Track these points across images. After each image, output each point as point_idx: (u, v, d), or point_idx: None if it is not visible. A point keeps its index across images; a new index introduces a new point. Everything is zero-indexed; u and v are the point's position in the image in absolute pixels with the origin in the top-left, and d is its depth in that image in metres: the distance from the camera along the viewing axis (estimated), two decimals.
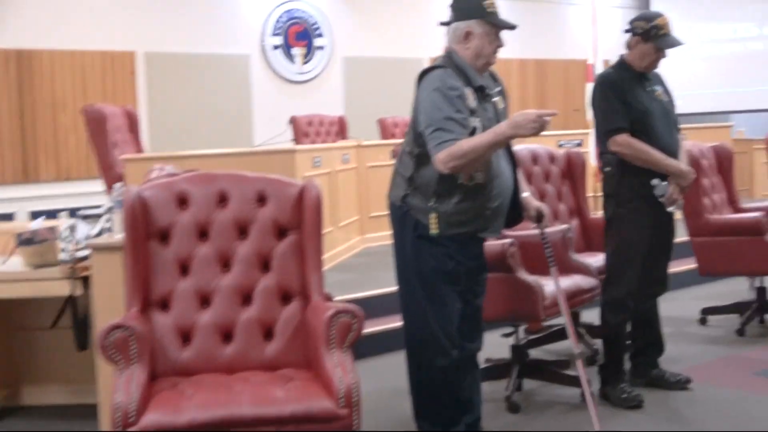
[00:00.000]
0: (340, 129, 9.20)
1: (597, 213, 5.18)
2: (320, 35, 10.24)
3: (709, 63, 12.68)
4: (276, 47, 9.99)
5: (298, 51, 10.07)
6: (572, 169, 5.23)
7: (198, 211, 3.27)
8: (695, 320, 5.50)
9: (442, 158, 3.09)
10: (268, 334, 3.21)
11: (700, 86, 12.31)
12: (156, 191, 3.28)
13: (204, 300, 3.22)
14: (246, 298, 3.24)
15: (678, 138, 4.14)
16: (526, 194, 3.63)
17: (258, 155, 6.18)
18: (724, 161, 5.61)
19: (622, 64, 4.16)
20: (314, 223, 3.29)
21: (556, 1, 12.46)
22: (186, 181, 3.34)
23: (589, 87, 7.81)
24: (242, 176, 3.38)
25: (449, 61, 3.30)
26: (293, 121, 8.83)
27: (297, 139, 8.75)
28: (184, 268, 3.23)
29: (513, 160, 3.42)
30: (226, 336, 3.18)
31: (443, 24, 3.44)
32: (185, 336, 3.16)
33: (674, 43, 4.04)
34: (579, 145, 8.38)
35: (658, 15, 4.09)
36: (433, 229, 3.25)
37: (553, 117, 3.04)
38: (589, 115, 7.51)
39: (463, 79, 3.25)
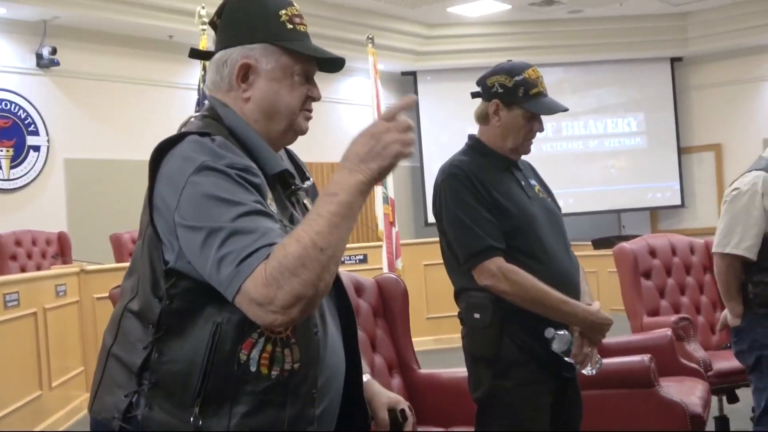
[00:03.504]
0: (60, 249, 7.46)
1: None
2: (35, 132, 8.15)
3: (533, 162, 11.50)
4: None
5: (3, 152, 7.90)
6: (388, 304, 3.66)
7: None
8: None
9: (266, 286, 1.40)
10: None
11: None
12: None
13: None
14: None
15: (575, 259, 2.67)
16: (367, 377, 1.95)
17: None
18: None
19: (476, 146, 2.66)
20: None
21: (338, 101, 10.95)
22: None
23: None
24: None
25: (217, 126, 1.63)
26: None
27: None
28: None
29: (349, 313, 1.77)
30: None
31: (194, 55, 1.77)
32: None
33: (554, 108, 2.60)
34: (363, 260, 6.97)
35: (526, 66, 2.60)
36: None
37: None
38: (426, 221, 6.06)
39: (248, 158, 1.58)
